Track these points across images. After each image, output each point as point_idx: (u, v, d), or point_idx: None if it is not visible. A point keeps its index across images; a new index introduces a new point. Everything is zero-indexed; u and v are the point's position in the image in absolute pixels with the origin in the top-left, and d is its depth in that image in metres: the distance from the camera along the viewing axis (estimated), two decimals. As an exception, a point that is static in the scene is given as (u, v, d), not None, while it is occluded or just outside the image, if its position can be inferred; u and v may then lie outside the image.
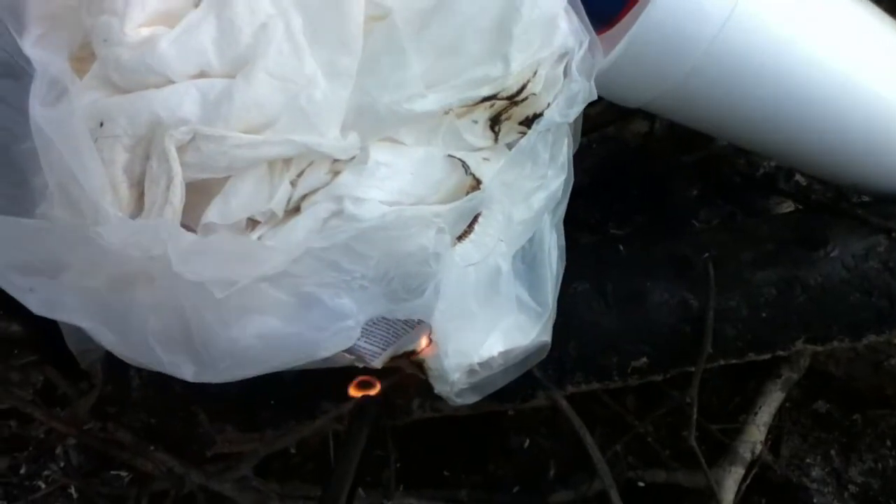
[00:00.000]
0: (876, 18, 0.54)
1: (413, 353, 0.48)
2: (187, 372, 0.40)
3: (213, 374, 0.40)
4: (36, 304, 0.40)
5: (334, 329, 0.41)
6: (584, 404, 0.69)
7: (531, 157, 0.46)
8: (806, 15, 0.50)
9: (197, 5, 0.41)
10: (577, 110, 0.46)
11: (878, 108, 0.53)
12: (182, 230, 0.39)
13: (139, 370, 0.57)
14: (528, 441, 0.73)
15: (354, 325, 0.42)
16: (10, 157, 0.43)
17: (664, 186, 0.76)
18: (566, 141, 0.48)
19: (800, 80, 0.50)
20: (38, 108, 0.40)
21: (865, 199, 0.64)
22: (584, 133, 0.52)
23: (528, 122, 0.46)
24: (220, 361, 0.40)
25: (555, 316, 0.50)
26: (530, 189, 0.47)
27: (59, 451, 0.73)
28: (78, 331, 0.40)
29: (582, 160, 0.74)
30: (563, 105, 0.45)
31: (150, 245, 0.37)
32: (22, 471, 0.73)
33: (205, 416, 0.59)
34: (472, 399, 0.49)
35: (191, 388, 0.42)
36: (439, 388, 0.48)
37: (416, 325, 0.47)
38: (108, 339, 0.40)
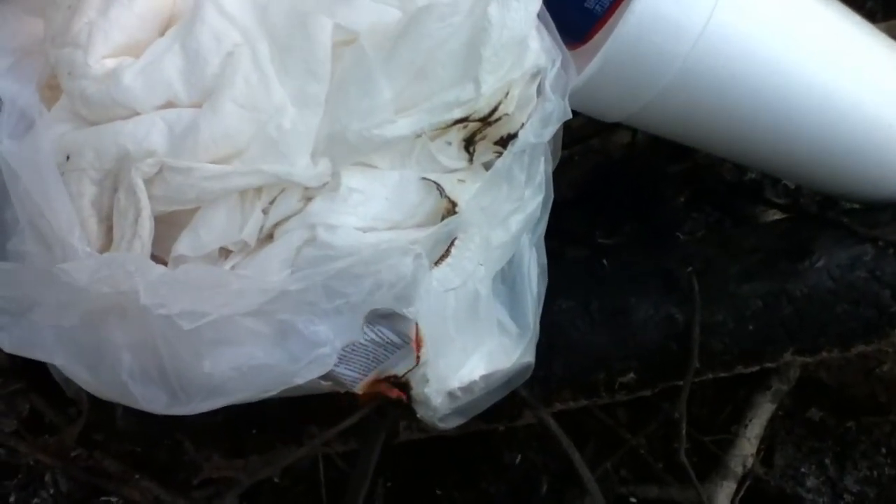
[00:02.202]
0: (853, 26, 0.53)
1: (395, 376, 0.48)
2: (160, 405, 0.39)
3: (187, 407, 0.39)
4: (8, 343, 0.40)
5: (310, 357, 0.41)
6: (576, 418, 0.68)
7: (507, 180, 0.45)
8: (781, 27, 0.49)
9: (162, 34, 0.40)
10: (551, 130, 0.46)
11: (858, 118, 0.52)
12: (150, 263, 0.38)
13: (123, 398, 0.56)
14: (519, 457, 0.73)
15: (331, 353, 0.41)
16: (-21, 192, 0.42)
17: (651, 196, 0.75)
18: (543, 159, 0.48)
19: (777, 92, 0.50)
20: (5, 142, 0.40)
21: (854, 206, 0.63)
22: (567, 146, 0.52)
23: (504, 141, 0.46)
24: (195, 394, 0.39)
25: (538, 336, 0.50)
26: (508, 211, 0.46)
27: (48, 478, 0.73)
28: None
29: (566, 173, 0.74)
30: (537, 125, 0.45)
31: (119, 280, 0.37)
32: (11, 499, 0.73)
33: (190, 444, 0.59)
34: (455, 423, 0.49)
35: (176, 416, 0.42)
36: (422, 414, 0.47)
37: (397, 351, 0.47)
38: (82, 376, 0.40)
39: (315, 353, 0.41)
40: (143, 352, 0.39)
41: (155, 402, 0.39)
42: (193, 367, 0.39)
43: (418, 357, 0.47)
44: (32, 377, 0.69)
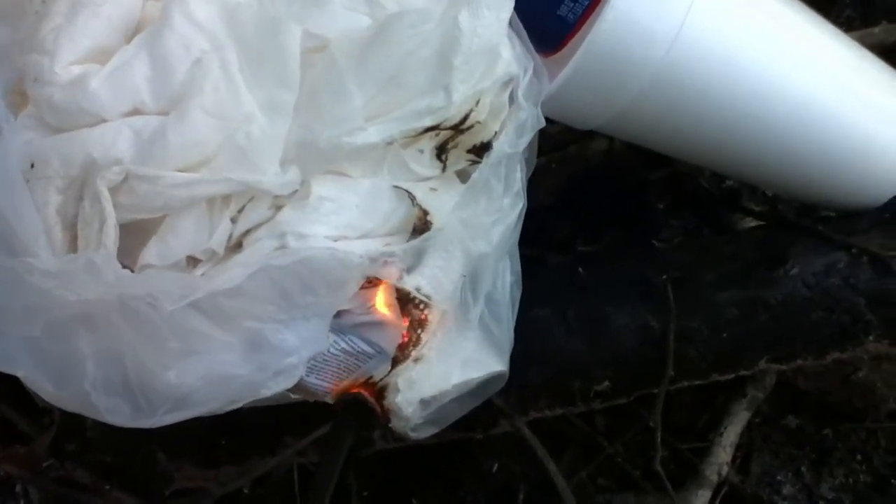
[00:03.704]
0: (826, 35, 0.53)
1: (369, 380, 0.47)
2: (123, 417, 0.39)
3: (151, 419, 0.39)
4: (-30, 354, 0.39)
5: (277, 367, 0.40)
6: (554, 426, 0.68)
7: (485, 192, 0.45)
8: (754, 36, 0.49)
9: (129, 41, 0.40)
10: (526, 139, 0.45)
11: (836, 126, 0.53)
12: (118, 265, 0.38)
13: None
14: (497, 465, 0.72)
15: (297, 363, 0.41)
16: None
17: (630, 203, 0.75)
18: (519, 168, 0.48)
19: (750, 100, 0.50)
20: (-29, 149, 0.40)
21: (831, 214, 0.63)
22: (544, 153, 0.52)
23: (476, 149, 0.46)
24: (159, 405, 0.39)
25: (512, 344, 0.49)
26: (488, 224, 0.45)
27: (18, 488, 0.72)
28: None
29: (545, 180, 0.74)
30: (512, 135, 0.45)
31: (85, 284, 0.36)
32: (-19, 509, 0.72)
33: (163, 454, 0.58)
34: (428, 432, 0.48)
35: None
36: (394, 424, 0.47)
37: (369, 361, 0.46)
38: (45, 387, 0.39)
39: (283, 363, 0.41)
40: (108, 362, 0.39)
41: (118, 414, 0.39)
42: (158, 377, 0.38)
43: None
44: (3, 386, 0.68)
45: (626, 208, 0.75)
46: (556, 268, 0.63)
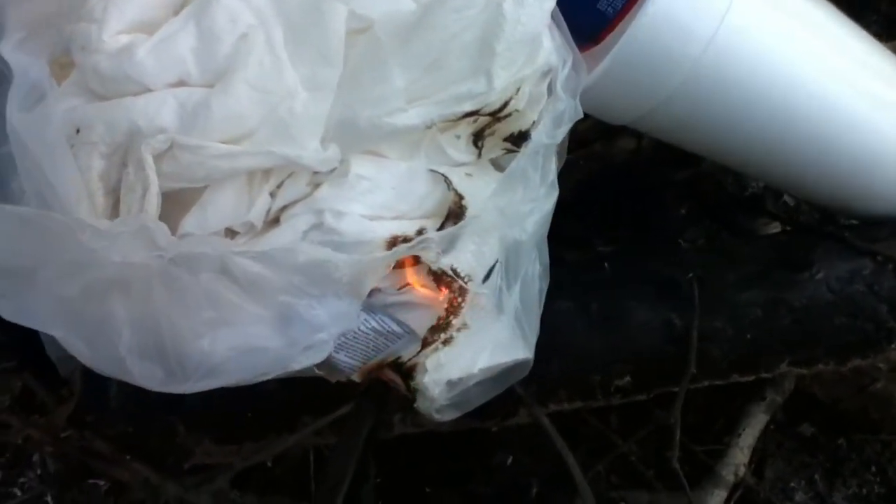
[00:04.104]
0: (861, 42, 0.54)
1: (398, 359, 0.48)
2: (155, 381, 0.39)
3: (184, 385, 0.39)
4: (7, 311, 0.40)
5: (308, 342, 0.41)
6: (568, 422, 0.68)
7: (522, 181, 0.45)
8: (791, 38, 0.50)
9: (177, 13, 0.41)
10: (564, 130, 0.46)
11: (864, 132, 0.53)
12: (168, 231, 0.38)
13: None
14: (510, 459, 0.73)
15: (327, 339, 0.41)
16: (-12, 160, 0.42)
17: (652, 204, 0.75)
18: (554, 159, 0.48)
19: (783, 102, 0.50)
20: (15, 113, 0.40)
21: (853, 221, 0.64)
22: (571, 150, 0.52)
23: (513, 138, 0.46)
24: (192, 373, 0.39)
25: (537, 333, 0.50)
26: (524, 212, 0.46)
27: (35, 458, 0.72)
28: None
29: (569, 176, 0.74)
30: (549, 126, 0.45)
31: (135, 248, 0.37)
32: (-2, 478, 0.73)
33: (183, 428, 0.58)
34: (452, 415, 0.49)
35: (169, 399, 0.42)
36: (419, 404, 0.47)
37: (398, 341, 0.47)
38: (80, 349, 0.40)
39: (314, 339, 0.41)
40: (144, 328, 0.39)
41: (151, 378, 0.39)
42: (192, 345, 0.39)
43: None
44: (26, 355, 0.69)
45: (647, 209, 0.76)
46: (580, 262, 0.63)
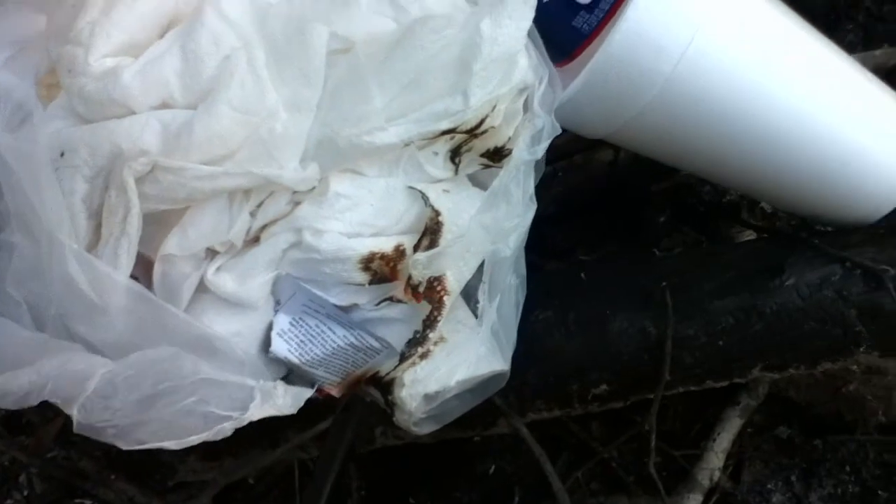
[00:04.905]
0: (832, 54, 0.55)
1: (376, 374, 0.48)
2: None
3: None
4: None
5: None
6: (550, 430, 0.69)
7: (505, 198, 0.46)
8: (761, 53, 0.51)
9: (162, 36, 0.41)
10: (543, 146, 0.47)
11: (834, 143, 0.54)
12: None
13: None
14: (493, 467, 0.73)
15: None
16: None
17: (632, 214, 0.77)
18: (533, 175, 0.49)
19: (754, 116, 0.51)
20: (1, 133, 0.41)
21: (828, 228, 0.65)
22: (550, 161, 0.53)
23: (489, 154, 0.47)
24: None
25: (514, 345, 0.50)
26: (509, 228, 0.47)
27: (22, 478, 0.72)
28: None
29: (550, 188, 0.76)
30: (529, 142, 0.46)
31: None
32: (-15, 499, 0.72)
33: (167, 445, 0.59)
34: (430, 428, 0.49)
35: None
36: (397, 418, 0.48)
37: (376, 356, 0.47)
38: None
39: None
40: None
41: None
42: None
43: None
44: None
45: (626, 219, 0.77)
46: (557, 272, 0.64)
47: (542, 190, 0.51)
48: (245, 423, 0.41)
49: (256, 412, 0.41)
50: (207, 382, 0.40)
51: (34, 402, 0.39)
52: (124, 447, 0.40)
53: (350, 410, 0.55)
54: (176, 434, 0.40)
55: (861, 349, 0.57)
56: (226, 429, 0.41)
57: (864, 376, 0.69)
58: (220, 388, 0.40)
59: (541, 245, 0.55)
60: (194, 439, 0.40)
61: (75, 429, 0.39)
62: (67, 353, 0.39)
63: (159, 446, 0.40)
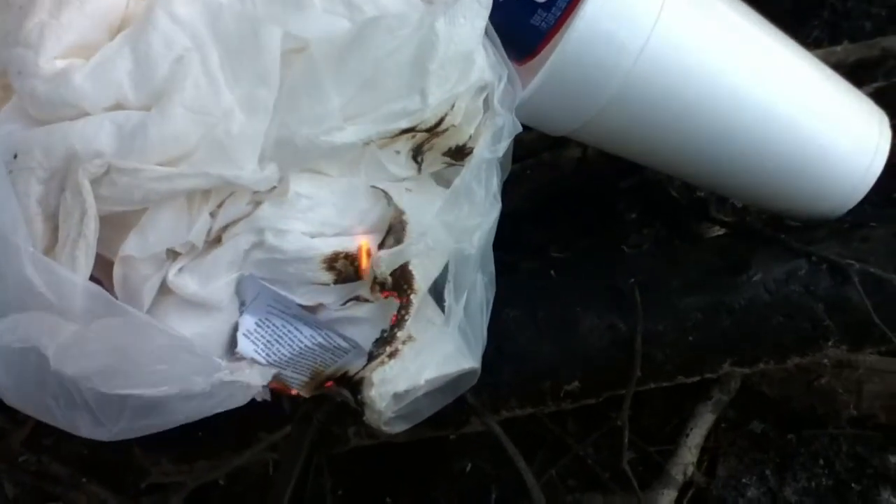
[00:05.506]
0: (790, 49, 0.55)
1: (345, 374, 0.48)
2: (83, 428, 0.40)
3: (108, 433, 0.40)
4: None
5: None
6: (527, 427, 0.69)
7: (467, 197, 0.46)
8: (720, 48, 0.51)
9: (112, 38, 0.41)
10: (504, 144, 0.47)
11: (795, 138, 0.54)
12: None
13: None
14: (469, 465, 0.73)
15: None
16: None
17: (601, 210, 0.77)
18: (497, 172, 0.49)
19: (715, 111, 0.52)
20: (-47, 139, 0.41)
21: (796, 224, 0.65)
22: (518, 159, 0.53)
23: (451, 152, 0.47)
24: (115, 423, 0.40)
25: (485, 343, 0.51)
26: (472, 227, 0.47)
27: (-7, 484, 0.72)
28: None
29: (519, 186, 0.76)
30: (490, 141, 0.46)
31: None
32: (-46, 504, 0.72)
33: (139, 448, 0.58)
34: (401, 427, 0.49)
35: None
36: (367, 417, 0.48)
37: (344, 356, 0.47)
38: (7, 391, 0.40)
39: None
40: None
41: (76, 423, 0.40)
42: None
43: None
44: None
45: (597, 215, 0.77)
46: (527, 271, 0.64)
47: (512, 188, 0.51)
48: (217, 382, 0.41)
49: (226, 376, 0.41)
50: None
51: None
52: (105, 390, 0.39)
53: (310, 412, 0.55)
54: (151, 382, 0.40)
55: (830, 343, 0.57)
56: (199, 383, 0.40)
57: (835, 370, 0.69)
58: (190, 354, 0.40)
59: (513, 243, 0.55)
60: (166, 389, 0.40)
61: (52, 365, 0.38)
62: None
63: (139, 392, 0.40)
